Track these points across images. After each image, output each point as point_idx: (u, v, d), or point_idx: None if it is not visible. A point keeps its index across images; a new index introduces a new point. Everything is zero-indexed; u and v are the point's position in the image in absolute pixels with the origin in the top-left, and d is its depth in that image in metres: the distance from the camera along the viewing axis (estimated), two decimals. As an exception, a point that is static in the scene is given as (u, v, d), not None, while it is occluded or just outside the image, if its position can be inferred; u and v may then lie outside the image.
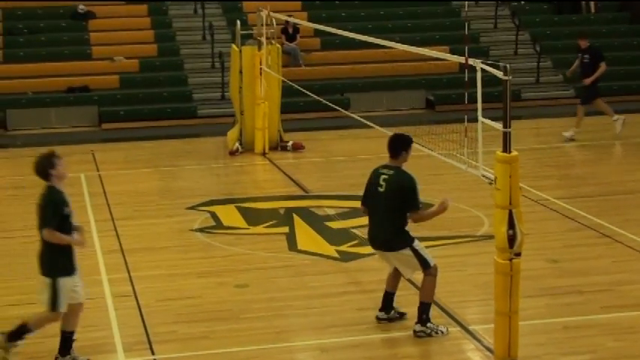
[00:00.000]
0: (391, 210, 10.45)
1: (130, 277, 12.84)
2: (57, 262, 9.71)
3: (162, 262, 13.44)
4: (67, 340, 9.93)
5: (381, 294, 11.09)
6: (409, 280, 11.36)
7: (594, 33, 29.11)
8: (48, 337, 10.22)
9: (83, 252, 13.97)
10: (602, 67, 21.23)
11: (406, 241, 10.51)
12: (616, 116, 21.44)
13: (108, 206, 16.62)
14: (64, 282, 9.69)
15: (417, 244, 10.54)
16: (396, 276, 10.91)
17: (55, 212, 9.73)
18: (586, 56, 21.42)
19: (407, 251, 10.51)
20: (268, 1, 21.81)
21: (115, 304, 11.74)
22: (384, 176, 10.51)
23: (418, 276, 10.87)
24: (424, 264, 10.52)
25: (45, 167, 9.89)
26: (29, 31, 27.48)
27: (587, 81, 21.15)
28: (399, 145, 10.56)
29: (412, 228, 10.67)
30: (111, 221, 15.64)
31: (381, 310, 10.96)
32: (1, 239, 15.02)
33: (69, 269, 9.76)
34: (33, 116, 24.96)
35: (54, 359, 9.97)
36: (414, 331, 10.54)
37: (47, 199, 9.80)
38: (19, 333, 9.92)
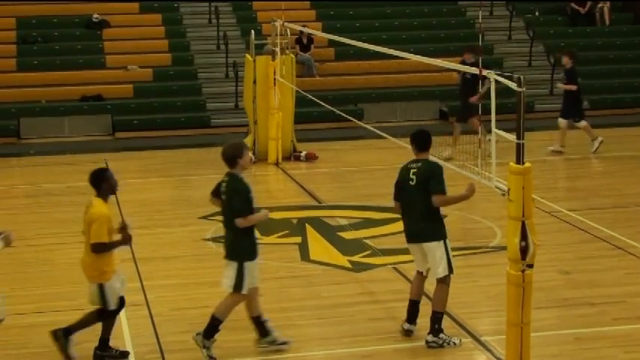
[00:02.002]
0: (424, 199, 10.51)
1: (142, 286, 12.87)
2: (244, 246, 10.24)
3: (175, 272, 13.45)
4: (215, 326, 10.32)
5: (393, 305, 11.14)
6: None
7: (608, 45, 29.18)
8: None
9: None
10: (487, 83, 20.51)
11: (441, 234, 10.58)
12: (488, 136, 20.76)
13: (121, 215, 16.56)
14: (250, 266, 10.19)
15: (448, 243, 10.59)
16: (420, 282, 10.91)
17: (244, 200, 10.24)
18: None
19: (440, 245, 10.56)
20: (283, 11, 21.85)
21: (127, 313, 11.71)
22: (413, 170, 10.67)
23: (431, 286, 10.87)
24: (449, 267, 10.56)
25: (235, 154, 10.32)
26: (43, 40, 27.58)
27: (474, 99, 19.77)
28: (429, 139, 10.80)
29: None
30: (124, 230, 15.64)
31: (408, 321, 10.88)
32: (13, 248, 14.98)
33: (253, 254, 10.28)
34: (46, 125, 25.03)
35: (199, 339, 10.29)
36: (427, 342, 10.53)
37: (234, 188, 10.28)
38: (212, 328, 10.28)
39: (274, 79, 20.60)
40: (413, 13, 30.23)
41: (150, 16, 28.90)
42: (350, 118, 19.16)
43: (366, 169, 20.10)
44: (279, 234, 15.40)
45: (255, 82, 21.02)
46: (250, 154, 20.66)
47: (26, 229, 15.96)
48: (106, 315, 10.29)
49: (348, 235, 15.20)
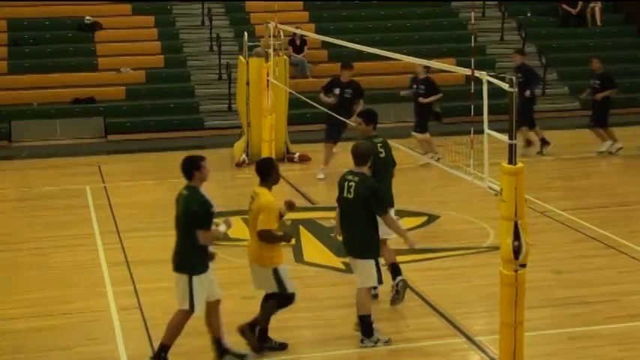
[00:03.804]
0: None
1: (135, 289, 12.86)
2: (375, 243, 10.75)
3: (168, 275, 13.27)
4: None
5: (387, 306, 11.21)
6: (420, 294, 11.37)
7: (600, 46, 29.22)
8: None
9: (88, 264, 14.09)
10: (360, 104, 19.10)
11: None
12: (323, 169, 19.65)
13: (113, 218, 16.63)
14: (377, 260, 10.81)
15: None
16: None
17: (383, 196, 10.85)
18: (348, 90, 19.36)
19: None
20: (276, 13, 21.84)
21: (120, 316, 11.74)
22: (380, 147, 11.77)
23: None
24: None
25: (368, 154, 10.83)
26: (35, 42, 27.53)
27: (353, 120, 17.96)
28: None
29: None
30: (116, 233, 15.64)
31: (399, 274, 11.72)
32: (6, 252, 15.01)
33: (378, 250, 10.88)
34: (38, 128, 24.96)
35: (360, 341, 10.63)
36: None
37: (370, 186, 10.64)
38: (367, 326, 10.70)
39: (267, 80, 20.58)
40: (406, 14, 30.25)
41: (142, 18, 28.87)
42: (343, 119, 19.13)
43: (359, 170, 20.05)
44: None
45: (248, 83, 21.02)
46: (244, 155, 20.85)
47: (19, 233, 15.94)
48: (285, 300, 10.49)
49: (341, 236, 15.15)
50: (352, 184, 10.66)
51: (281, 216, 10.66)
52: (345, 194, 10.74)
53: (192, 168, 10.20)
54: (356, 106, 18.96)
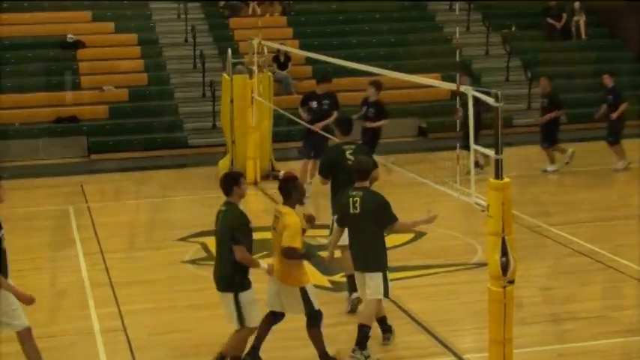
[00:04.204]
0: None
1: (119, 311, 12.71)
2: (384, 255, 10.76)
3: (153, 295, 13.29)
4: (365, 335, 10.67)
5: (374, 324, 11.01)
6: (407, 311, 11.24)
7: (585, 59, 29.24)
8: None
9: (71, 286, 13.91)
10: (335, 114, 18.83)
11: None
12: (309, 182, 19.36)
13: (97, 239, 16.48)
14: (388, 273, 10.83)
15: None
16: None
17: (391, 209, 10.71)
18: (326, 101, 19.26)
19: None
20: (259, 29, 21.78)
21: (104, 339, 11.59)
22: (349, 151, 12.07)
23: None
24: None
25: (370, 168, 10.94)
26: (17, 61, 27.38)
27: (319, 125, 18.42)
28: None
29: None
30: (100, 254, 15.49)
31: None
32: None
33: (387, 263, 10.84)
34: (20, 148, 24.75)
35: (351, 351, 10.55)
36: None
37: (377, 200, 10.69)
38: (364, 337, 10.64)
39: (252, 97, 20.50)
40: (390, 29, 30.22)
41: (125, 36, 28.77)
42: (329, 135, 19.01)
43: (345, 187, 19.94)
44: (259, 255, 15.18)
45: (232, 101, 20.93)
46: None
47: None
48: (317, 319, 10.45)
49: (339, 253, 15.04)
50: (357, 199, 10.66)
51: (303, 231, 10.61)
52: (351, 210, 10.72)
53: (231, 184, 10.30)
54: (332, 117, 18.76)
